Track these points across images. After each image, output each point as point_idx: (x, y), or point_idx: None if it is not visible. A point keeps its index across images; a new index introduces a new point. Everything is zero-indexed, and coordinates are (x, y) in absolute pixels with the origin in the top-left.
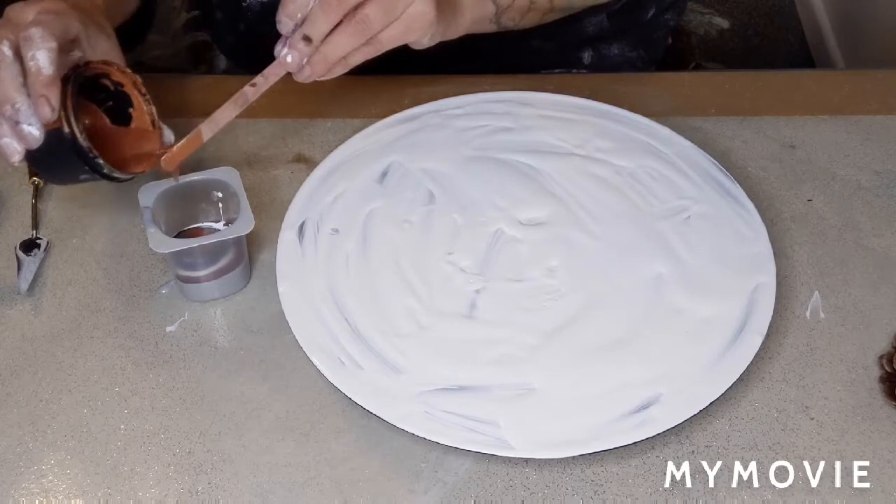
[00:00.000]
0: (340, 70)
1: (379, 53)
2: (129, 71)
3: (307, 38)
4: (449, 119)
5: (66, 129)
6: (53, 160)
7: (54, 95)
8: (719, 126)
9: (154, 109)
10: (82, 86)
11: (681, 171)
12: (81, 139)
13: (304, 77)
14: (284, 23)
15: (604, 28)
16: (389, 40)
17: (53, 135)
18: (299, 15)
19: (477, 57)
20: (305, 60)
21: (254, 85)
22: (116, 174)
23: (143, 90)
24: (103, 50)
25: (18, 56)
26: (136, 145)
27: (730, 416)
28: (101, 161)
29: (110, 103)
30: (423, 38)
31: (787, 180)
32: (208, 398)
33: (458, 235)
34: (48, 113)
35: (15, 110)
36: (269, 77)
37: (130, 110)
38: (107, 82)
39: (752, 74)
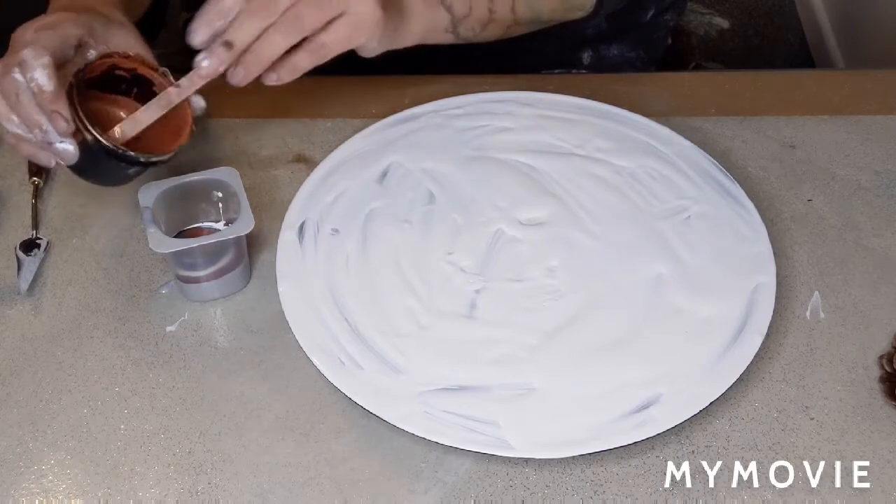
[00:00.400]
0: (288, 75)
1: (327, 59)
2: (132, 54)
3: (228, 44)
4: (449, 119)
5: (89, 137)
6: (94, 167)
7: (63, 108)
8: (719, 126)
9: (173, 79)
10: (103, 83)
11: (681, 171)
12: (104, 140)
13: (238, 79)
14: (198, 32)
15: (602, 29)
16: (335, 43)
17: (81, 145)
18: (219, 23)
19: (475, 57)
20: (223, 68)
21: (178, 86)
22: (155, 158)
23: (156, 65)
24: (117, 41)
25: None
26: (172, 121)
27: (730, 416)
28: (132, 154)
29: (135, 90)
30: (370, 41)
31: (787, 180)
32: (208, 398)
33: (458, 235)
34: (64, 126)
35: (44, 132)
36: (194, 81)
37: (154, 89)
38: (121, 72)
39: (752, 74)
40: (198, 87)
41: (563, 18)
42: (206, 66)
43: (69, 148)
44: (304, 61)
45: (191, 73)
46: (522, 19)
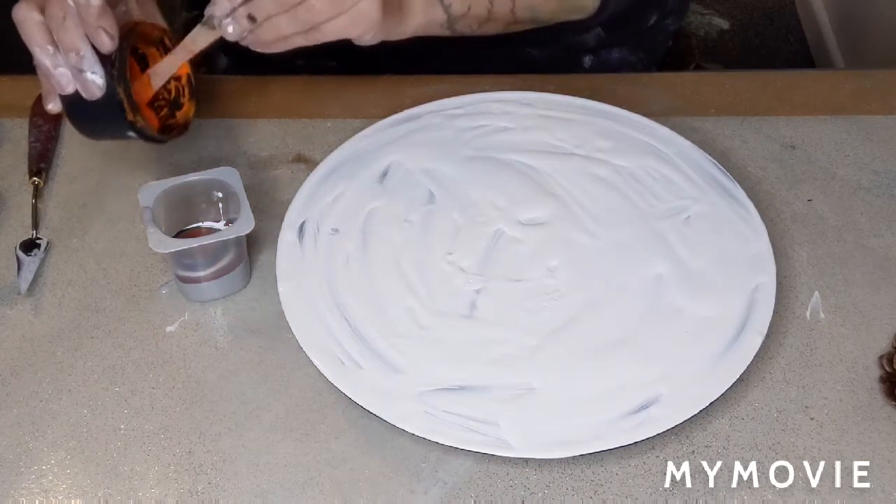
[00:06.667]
0: (280, 48)
1: (319, 42)
2: (161, 26)
3: (252, 18)
4: (449, 119)
5: (121, 86)
6: (100, 115)
7: (110, 25)
8: (719, 126)
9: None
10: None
11: (681, 171)
12: (125, 95)
13: (234, 38)
14: (221, 4)
15: (603, 38)
16: (332, 31)
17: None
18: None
19: (476, 61)
20: (243, 35)
21: (207, 26)
22: (157, 135)
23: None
24: (148, 11)
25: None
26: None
27: (730, 416)
28: (143, 123)
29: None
30: (364, 35)
31: (787, 180)
32: (208, 398)
33: (458, 235)
34: (108, 43)
35: (79, 58)
36: (197, 42)
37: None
38: (142, 44)
39: (752, 74)
40: (202, 48)
41: (563, 19)
42: (231, 31)
43: (98, 80)
44: (298, 40)
45: (193, 34)
46: (521, 19)
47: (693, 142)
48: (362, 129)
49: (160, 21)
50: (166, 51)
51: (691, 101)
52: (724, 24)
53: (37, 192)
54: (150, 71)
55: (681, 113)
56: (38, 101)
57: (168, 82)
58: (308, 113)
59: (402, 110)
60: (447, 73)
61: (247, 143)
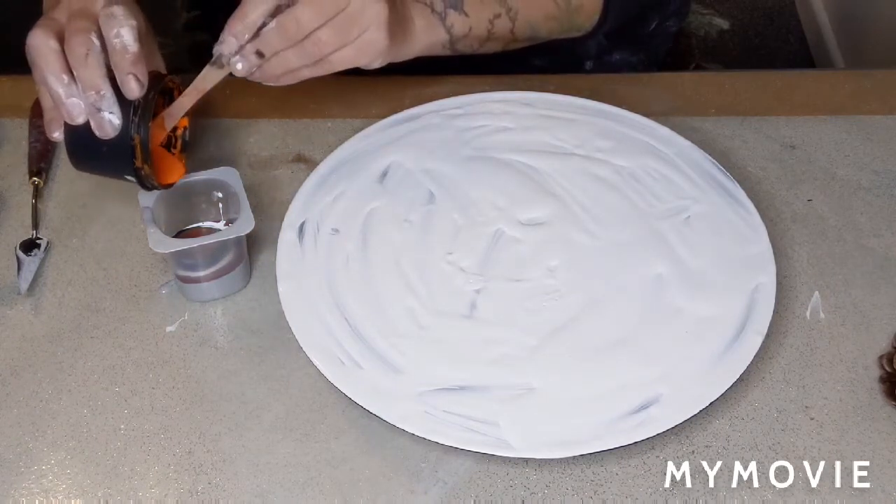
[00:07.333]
0: (289, 81)
1: (328, 73)
2: (178, 79)
3: (260, 54)
4: (449, 119)
5: (141, 129)
6: (108, 156)
7: (142, 72)
8: (719, 126)
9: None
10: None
11: (681, 171)
12: (140, 145)
13: (244, 73)
14: (229, 42)
15: (604, 46)
16: (340, 62)
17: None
18: (247, 36)
19: (478, 66)
20: (252, 70)
21: (216, 66)
22: (155, 184)
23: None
24: (152, 52)
25: (103, 43)
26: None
27: (730, 416)
28: (147, 172)
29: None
30: (372, 62)
31: (787, 180)
32: (208, 398)
33: (458, 235)
34: (137, 90)
35: (99, 97)
36: (207, 82)
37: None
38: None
39: (752, 74)
40: (212, 84)
41: (562, 37)
42: (240, 68)
43: (114, 121)
44: (306, 72)
45: (205, 72)
46: (521, 38)
47: (693, 142)
48: (362, 129)
49: (160, 61)
50: (172, 101)
51: (691, 101)
52: (724, 24)
53: (37, 192)
54: (163, 113)
55: (681, 113)
56: (38, 102)
57: None
58: (308, 113)
59: (402, 110)
60: (449, 73)
61: (247, 143)
